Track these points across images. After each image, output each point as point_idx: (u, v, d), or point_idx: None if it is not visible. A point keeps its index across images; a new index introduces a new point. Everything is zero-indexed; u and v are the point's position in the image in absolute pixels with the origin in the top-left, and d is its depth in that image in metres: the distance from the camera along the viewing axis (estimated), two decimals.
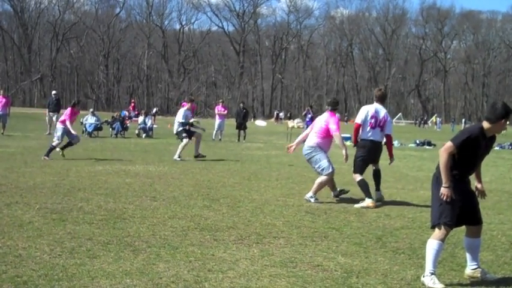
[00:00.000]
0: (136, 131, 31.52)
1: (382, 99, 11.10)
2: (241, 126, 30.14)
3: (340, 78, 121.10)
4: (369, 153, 10.82)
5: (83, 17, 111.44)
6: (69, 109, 17.89)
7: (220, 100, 35.40)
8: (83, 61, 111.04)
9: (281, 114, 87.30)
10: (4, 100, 28.50)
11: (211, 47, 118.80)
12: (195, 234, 7.79)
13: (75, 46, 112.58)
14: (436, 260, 5.94)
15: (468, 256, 6.19)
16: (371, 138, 10.71)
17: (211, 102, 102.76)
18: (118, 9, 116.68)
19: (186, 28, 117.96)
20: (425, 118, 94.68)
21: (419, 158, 21.94)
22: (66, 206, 9.43)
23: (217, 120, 29.78)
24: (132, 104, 55.50)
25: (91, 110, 32.24)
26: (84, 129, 29.55)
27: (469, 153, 5.95)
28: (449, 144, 5.89)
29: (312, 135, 11.07)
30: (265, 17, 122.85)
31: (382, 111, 10.84)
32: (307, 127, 31.46)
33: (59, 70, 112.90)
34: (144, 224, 8.28)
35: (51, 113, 29.21)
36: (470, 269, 6.17)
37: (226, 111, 31.21)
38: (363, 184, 10.72)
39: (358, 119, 10.84)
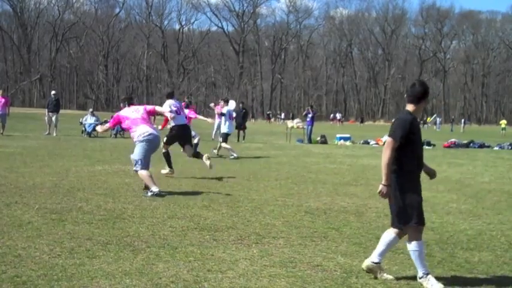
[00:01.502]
0: None
1: (171, 96, 14.52)
2: (240, 126, 30.16)
3: (340, 78, 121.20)
4: (177, 133, 13.96)
5: (82, 17, 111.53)
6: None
7: (219, 100, 35.39)
8: (82, 61, 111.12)
9: (282, 115, 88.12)
10: (3, 100, 28.52)
11: (210, 47, 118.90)
12: (194, 234, 7.79)
13: (74, 46, 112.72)
14: (423, 260, 5.91)
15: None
16: (178, 123, 13.93)
17: (210, 102, 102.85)
18: (117, 9, 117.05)
19: (186, 28, 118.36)
20: (424, 118, 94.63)
21: None
22: (66, 206, 9.43)
23: (217, 120, 29.73)
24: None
25: (90, 110, 32.29)
26: (83, 129, 29.59)
27: (413, 142, 5.87)
28: (389, 139, 5.82)
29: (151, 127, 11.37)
30: (264, 17, 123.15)
31: (177, 103, 14.37)
32: (309, 127, 31.73)
33: (58, 70, 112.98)
34: (144, 224, 8.28)
35: (50, 113, 29.21)
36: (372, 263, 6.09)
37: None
38: (166, 155, 13.91)
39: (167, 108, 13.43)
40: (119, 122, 11.70)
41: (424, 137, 35.81)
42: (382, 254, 6.12)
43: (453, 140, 32.68)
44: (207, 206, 9.93)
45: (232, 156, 19.38)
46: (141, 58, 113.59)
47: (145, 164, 11.01)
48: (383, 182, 5.80)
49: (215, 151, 20.24)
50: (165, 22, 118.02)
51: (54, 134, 28.55)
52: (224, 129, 20.54)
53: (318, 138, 31.26)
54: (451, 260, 6.89)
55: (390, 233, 6.06)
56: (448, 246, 7.60)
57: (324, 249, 7.19)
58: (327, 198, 11.24)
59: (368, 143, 32.35)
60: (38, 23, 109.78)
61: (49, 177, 12.80)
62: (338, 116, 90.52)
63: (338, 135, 34.19)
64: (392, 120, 6.17)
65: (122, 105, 12.05)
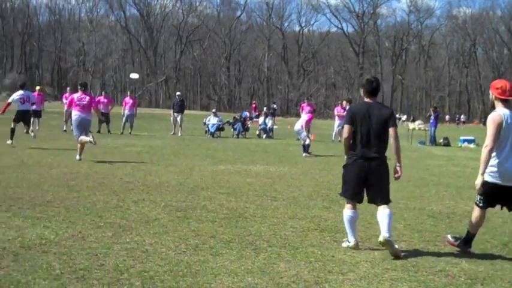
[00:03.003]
0: (257, 132, 31.91)
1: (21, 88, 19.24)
2: None
3: (463, 79, 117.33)
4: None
5: (205, 20, 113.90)
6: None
7: (339, 101, 35.30)
8: (205, 63, 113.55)
9: (404, 117, 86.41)
10: (131, 101, 29.84)
11: (330, 48, 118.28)
12: (315, 235, 7.82)
13: (198, 48, 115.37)
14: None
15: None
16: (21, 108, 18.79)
17: (330, 103, 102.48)
18: (239, 12, 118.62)
19: (306, 30, 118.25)
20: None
21: None
22: (190, 204, 9.70)
23: (337, 122, 29.62)
24: (254, 105, 56.24)
25: (213, 110, 32.99)
26: (206, 129, 30.31)
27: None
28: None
29: None
30: (385, 17, 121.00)
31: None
32: (432, 128, 31.01)
33: (182, 72, 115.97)
34: (265, 223, 8.40)
35: (175, 114, 30.09)
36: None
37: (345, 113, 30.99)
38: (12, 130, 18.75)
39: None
40: None
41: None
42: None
43: None
44: (327, 207, 9.94)
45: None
46: (262, 60, 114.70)
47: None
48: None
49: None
50: (285, 24, 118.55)
51: (179, 134, 29.40)
52: None
53: (441, 141, 30.49)
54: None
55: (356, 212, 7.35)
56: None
57: (447, 254, 7.04)
58: (450, 202, 10.98)
59: None
60: (163, 26, 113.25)
61: (174, 176, 13.20)
62: (462, 118, 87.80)
63: (462, 138, 33.17)
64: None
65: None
